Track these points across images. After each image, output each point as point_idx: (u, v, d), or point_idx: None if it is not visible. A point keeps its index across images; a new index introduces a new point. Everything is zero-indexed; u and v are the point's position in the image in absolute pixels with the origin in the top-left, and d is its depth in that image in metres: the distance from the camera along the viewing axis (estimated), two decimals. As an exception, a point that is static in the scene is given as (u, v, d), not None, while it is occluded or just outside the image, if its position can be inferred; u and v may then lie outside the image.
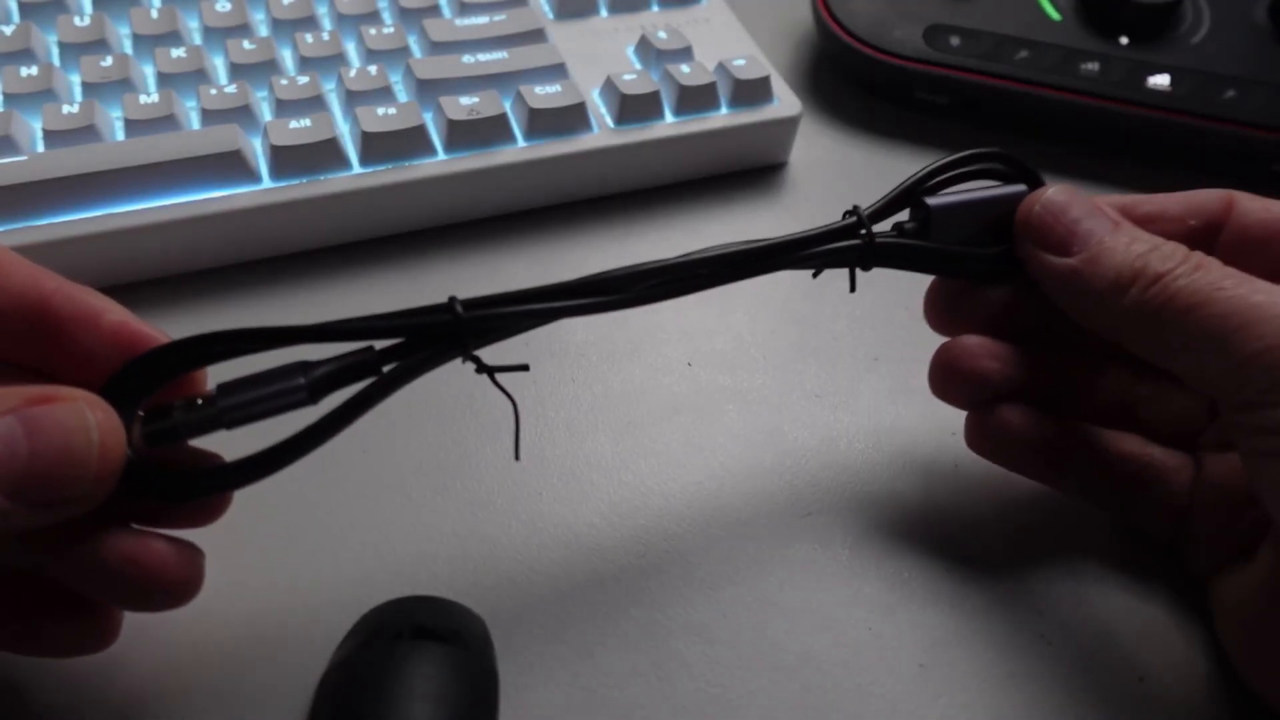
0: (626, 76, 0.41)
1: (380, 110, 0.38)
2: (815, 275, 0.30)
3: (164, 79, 0.39)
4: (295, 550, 0.31)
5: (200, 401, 0.24)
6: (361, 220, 0.39)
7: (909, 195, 0.30)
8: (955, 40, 0.46)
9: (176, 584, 0.24)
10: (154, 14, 0.41)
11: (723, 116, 0.42)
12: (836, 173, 0.45)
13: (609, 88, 0.41)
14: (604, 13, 0.46)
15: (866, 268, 0.29)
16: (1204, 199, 0.31)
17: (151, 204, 0.36)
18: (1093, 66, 0.45)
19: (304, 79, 0.39)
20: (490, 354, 0.25)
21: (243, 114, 0.38)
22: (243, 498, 0.26)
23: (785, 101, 0.43)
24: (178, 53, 0.39)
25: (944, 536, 0.33)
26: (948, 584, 0.31)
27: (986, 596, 0.31)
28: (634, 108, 0.41)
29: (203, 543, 0.26)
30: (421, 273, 0.39)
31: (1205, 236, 0.30)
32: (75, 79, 0.39)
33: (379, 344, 0.25)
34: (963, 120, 0.47)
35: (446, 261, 0.39)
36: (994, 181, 0.31)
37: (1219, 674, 0.30)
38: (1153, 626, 0.31)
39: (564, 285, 0.26)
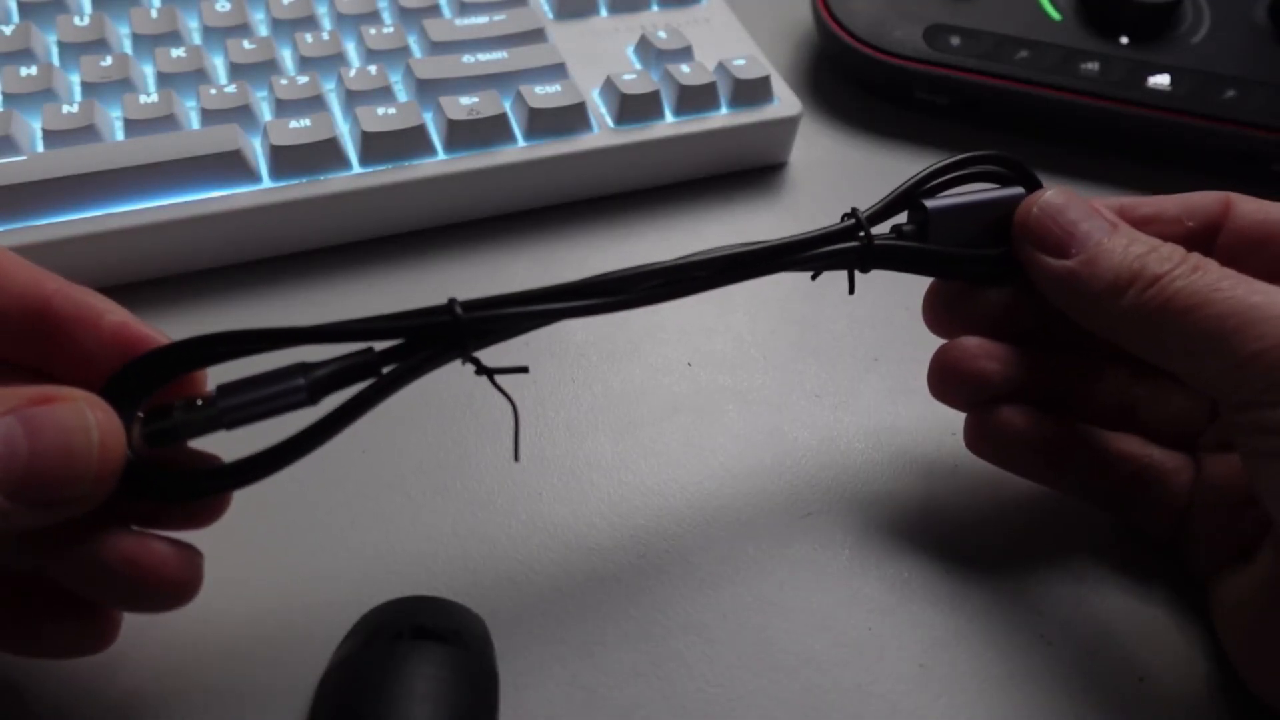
0: (626, 76, 0.41)
1: (380, 110, 0.38)
2: (814, 277, 0.30)
3: (164, 79, 0.39)
4: (295, 550, 0.31)
5: (200, 402, 0.24)
6: (361, 220, 0.39)
7: (907, 197, 0.30)
8: (955, 40, 0.46)
9: (176, 585, 0.24)
10: (154, 14, 0.41)
11: (723, 116, 0.42)
12: (836, 173, 0.45)
13: (609, 88, 0.41)
14: (604, 13, 0.46)
15: (865, 270, 0.30)
16: (1201, 200, 0.31)
17: (151, 204, 0.36)
18: (1093, 66, 0.45)
19: (304, 79, 0.39)
20: (490, 354, 0.25)
21: (243, 114, 0.38)
22: (242, 498, 0.26)
23: (785, 101, 0.43)
24: (178, 53, 0.39)
25: (944, 536, 0.33)
26: (948, 584, 0.31)
27: (986, 596, 0.31)
28: (634, 108, 0.41)
29: (203, 543, 0.26)
30: (421, 273, 0.39)
31: (1203, 238, 0.30)
32: (75, 79, 0.39)
33: (379, 345, 0.25)
34: (963, 120, 0.47)
35: (446, 261, 0.39)
36: (992, 184, 0.31)
37: (1219, 674, 0.30)
38: (1153, 626, 0.31)
39: (564, 286, 0.26)
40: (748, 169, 0.44)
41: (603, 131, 0.41)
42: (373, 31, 0.41)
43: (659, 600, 0.30)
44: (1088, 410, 0.32)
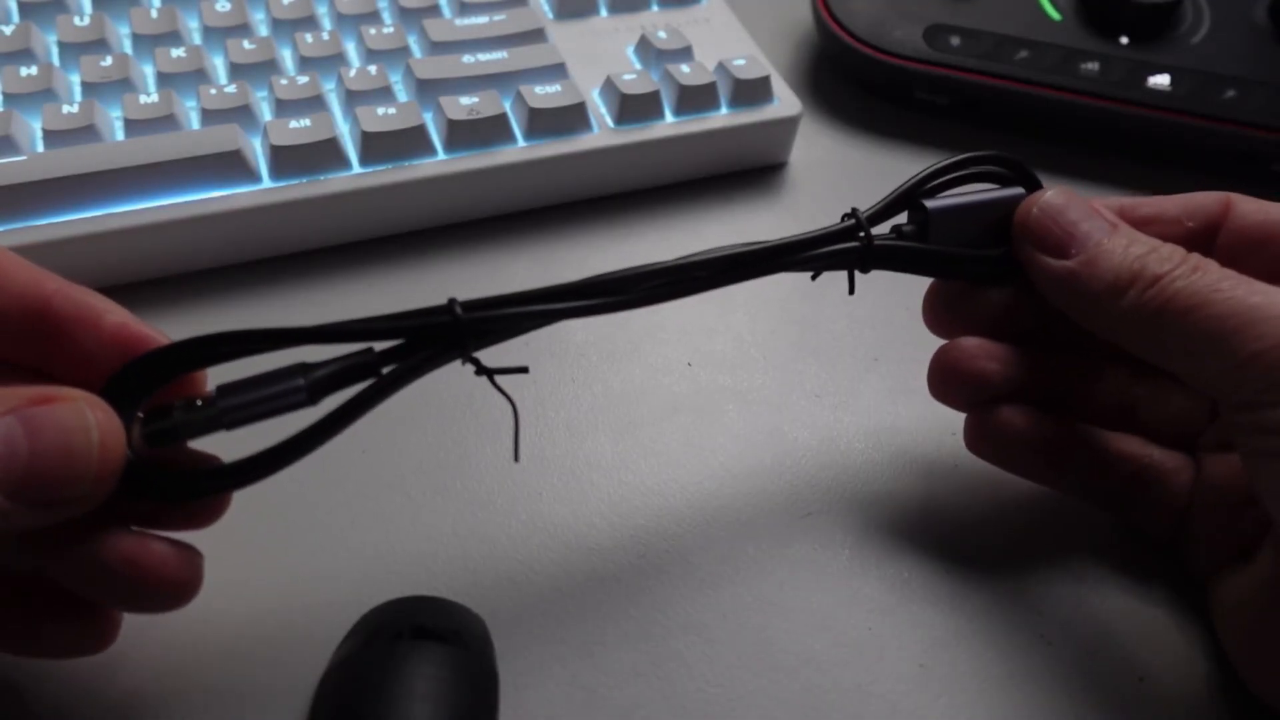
0: (626, 76, 0.41)
1: (380, 110, 0.38)
2: (814, 278, 0.30)
3: (164, 79, 0.39)
4: (295, 550, 0.31)
5: (200, 402, 0.24)
6: (361, 220, 0.39)
7: (907, 198, 0.30)
8: (955, 40, 0.46)
9: (176, 585, 0.24)
10: (154, 14, 0.41)
11: (723, 116, 0.42)
12: (836, 173, 0.45)
13: (609, 88, 0.41)
14: (604, 13, 0.46)
15: (865, 270, 0.30)
16: (1201, 201, 0.31)
17: (151, 204, 0.36)
18: (1093, 66, 0.45)
19: (304, 79, 0.39)
20: (490, 355, 0.25)
21: (243, 114, 0.38)
22: (242, 498, 0.26)
23: (785, 101, 0.43)
24: (178, 53, 0.39)
25: (944, 536, 0.33)
26: (948, 584, 0.31)
27: (986, 596, 0.31)
28: (634, 108, 0.41)
29: (203, 543, 0.26)
30: (421, 273, 0.39)
31: (1203, 238, 0.30)
32: (75, 79, 0.39)
33: (378, 345, 0.25)
34: (963, 120, 0.47)
35: (446, 261, 0.39)
36: (992, 184, 0.31)
37: (1219, 674, 0.30)
38: (1153, 626, 0.31)
39: (564, 287, 0.26)
40: (748, 169, 0.44)
41: (603, 131, 0.41)
42: (373, 31, 0.41)
43: (659, 600, 0.30)
44: (1088, 410, 0.32)
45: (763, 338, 0.38)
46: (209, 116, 0.37)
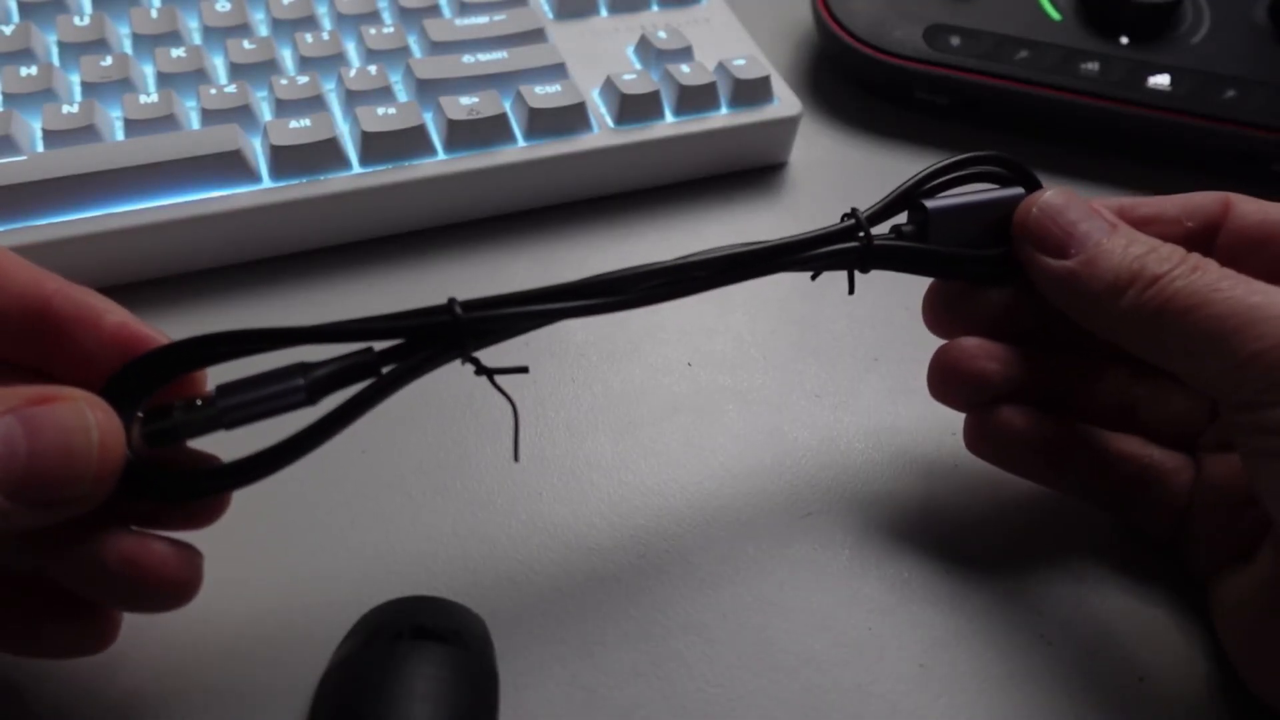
0: (626, 76, 0.41)
1: (380, 110, 0.38)
2: (814, 278, 0.30)
3: (164, 79, 0.39)
4: (295, 550, 0.31)
5: (200, 402, 0.24)
6: (361, 220, 0.39)
7: (907, 198, 0.30)
8: (955, 40, 0.46)
9: (175, 585, 0.24)
10: (154, 14, 0.41)
11: (723, 116, 0.42)
12: (836, 173, 0.45)
13: (609, 88, 0.41)
14: (604, 13, 0.46)
15: (865, 270, 0.30)
16: (1201, 201, 0.31)
17: (151, 204, 0.36)
18: (1093, 66, 0.45)
19: (304, 79, 0.39)
20: (490, 354, 0.25)
21: (243, 114, 0.38)
22: (242, 498, 0.26)
23: (785, 101, 0.43)
24: (178, 53, 0.39)
25: (944, 536, 0.33)
26: (948, 584, 0.31)
27: (986, 596, 0.31)
28: (634, 108, 0.41)
29: (203, 543, 0.26)
30: (421, 273, 0.39)
31: (1202, 238, 0.30)
32: (75, 79, 0.39)
33: (378, 345, 0.25)
34: (963, 120, 0.47)
35: (446, 261, 0.39)
36: (992, 184, 0.31)
37: (1219, 674, 0.30)
38: (1153, 626, 0.31)
39: (563, 286, 0.26)
40: (748, 169, 0.44)
41: (603, 131, 0.41)
42: (373, 31, 0.41)
43: (659, 600, 0.30)
44: (1088, 410, 0.32)
45: (763, 338, 0.38)
46: (209, 116, 0.37)
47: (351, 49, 0.42)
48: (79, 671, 0.27)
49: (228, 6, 0.42)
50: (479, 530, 0.32)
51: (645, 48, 0.44)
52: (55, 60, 0.39)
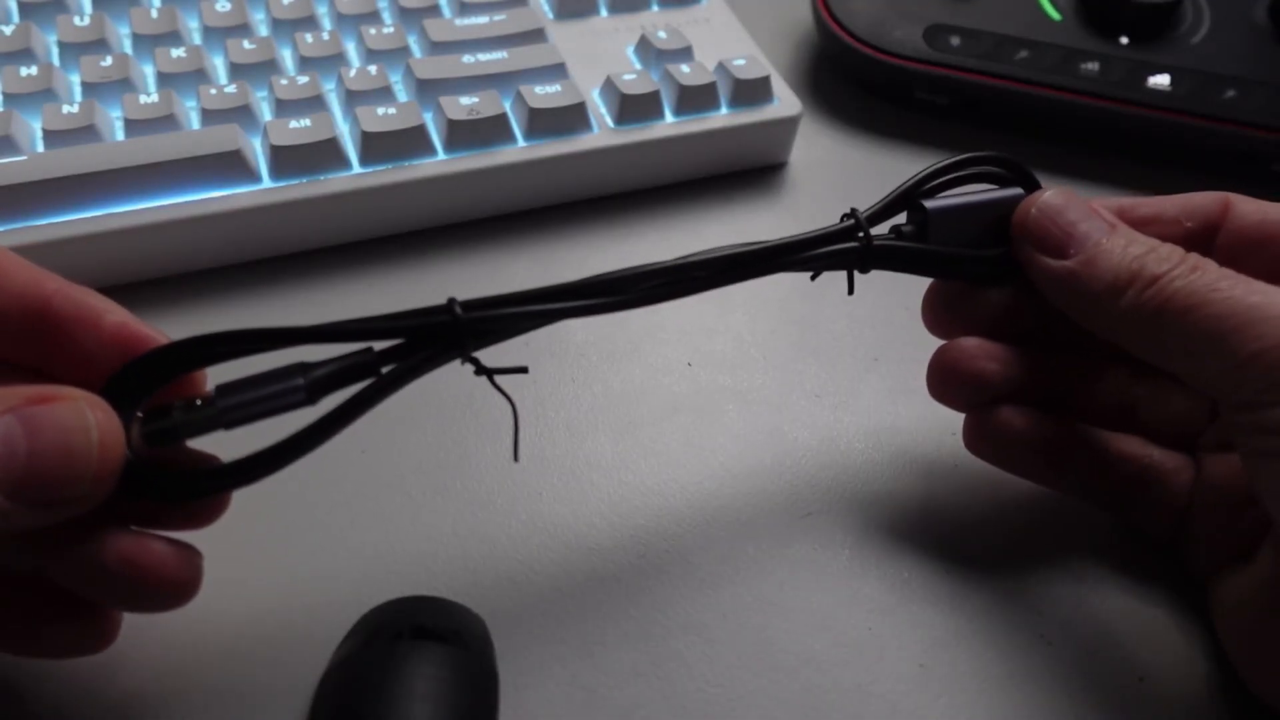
0: (626, 76, 0.41)
1: (380, 110, 0.38)
2: (814, 278, 0.30)
3: (164, 79, 0.39)
4: (295, 550, 0.31)
5: (199, 402, 0.24)
6: (361, 220, 0.39)
7: (906, 198, 0.30)
8: (955, 40, 0.46)
9: (175, 585, 0.24)
10: (154, 14, 0.41)
11: (723, 116, 0.42)
12: (836, 173, 0.45)
13: (609, 88, 0.41)
14: (604, 13, 0.46)
15: (864, 270, 0.30)
16: (1200, 201, 0.31)
17: (151, 204, 0.36)
18: (1093, 66, 0.45)
19: (304, 79, 0.39)
20: (490, 354, 0.25)
21: (243, 114, 0.38)
22: (242, 498, 0.26)
23: (785, 101, 0.43)
24: (178, 53, 0.39)
25: (944, 536, 0.33)
26: (948, 584, 0.31)
27: (986, 596, 0.31)
28: (634, 108, 0.41)
29: (203, 543, 0.26)
30: (421, 273, 0.39)
31: (1202, 238, 0.30)
32: (75, 79, 0.39)
33: (378, 345, 0.25)
34: (963, 120, 0.47)
35: (446, 261, 0.39)
36: (991, 184, 0.31)
37: (1219, 674, 0.30)
38: (1153, 626, 0.31)
39: (563, 286, 0.26)
40: (748, 169, 0.44)
41: (603, 131, 0.41)
42: (373, 31, 0.41)
43: (659, 600, 0.30)
44: (1088, 410, 0.32)
45: (763, 338, 0.38)
46: (209, 116, 0.37)
47: (351, 49, 0.42)
48: (79, 671, 0.27)
49: (228, 6, 0.42)
50: (479, 530, 0.32)
51: (645, 48, 0.44)
52: (55, 60, 0.39)
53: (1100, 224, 0.29)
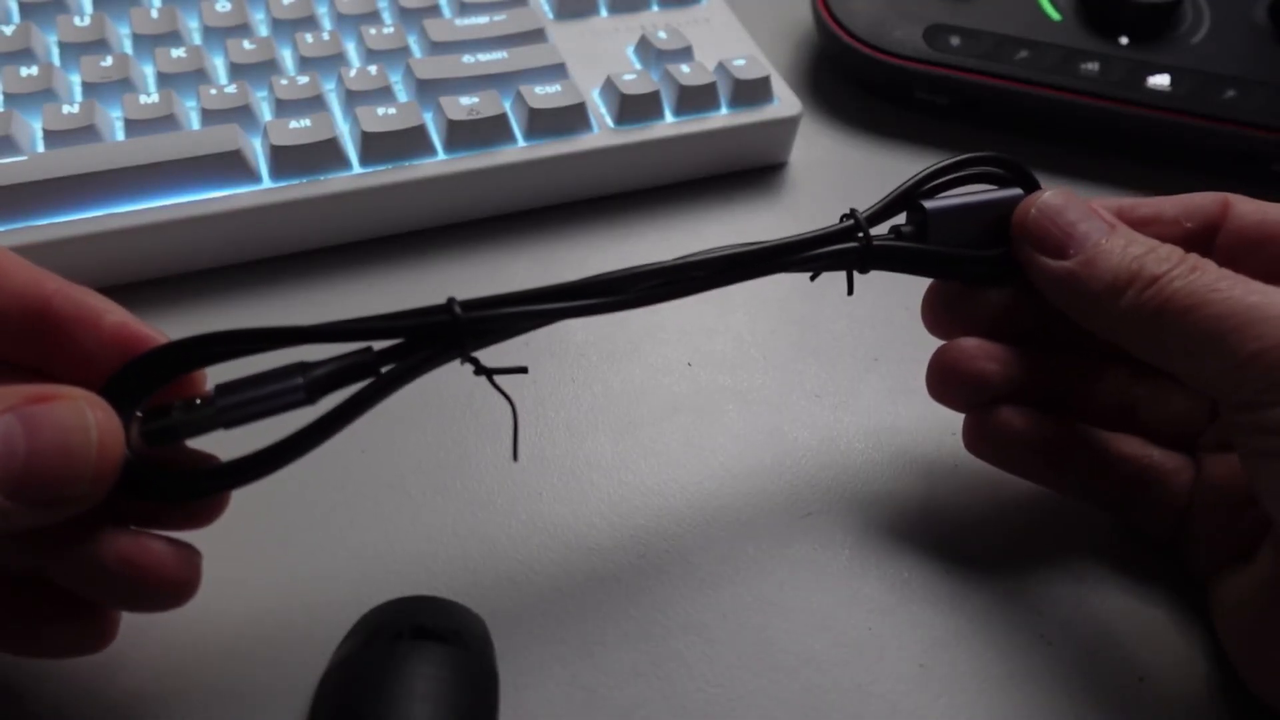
0: (626, 76, 0.41)
1: (380, 110, 0.38)
2: (813, 278, 0.30)
3: (164, 79, 0.39)
4: (295, 550, 0.31)
5: (199, 401, 0.24)
6: (361, 220, 0.39)
7: (906, 198, 0.30)
8: (955, 40, 0.46)
9: (174, 584, 0.24)
10: (154, 14, 0.41)
11: (723, 116, 0.42)
12: (836, 173, 0.45)
13: (609, 88, 0.41)
14: (604, 13, 0.46)
15: (864, 270, 0.30)
16: (1200, 201, 0.31)
17: (151, 204, 0.36)
18: (1093, 66, 0.45)
19: (304, 79, 0.39)
20: (490, 354, 0.25)
21: (243, 114, 0.38)
22: (241, 497, 0.26)
23: (785, 101, 0.43)
24: (178, 53, 0.39)
25: (944, 536, 0.33)
26: (948, 584, 0.31)
27: (986, 596, 0.31)
28: (634, 108, 0.41)
29: (202, 543, 0.26)
30: (421, 273, 0.39)
31: (1201, 239, 0.30)
32: (75, 79, 0.39)
33: (377, 345, 0.25)
34: (963, 120, 0.47)
35: (446, 261, 0.39)
36: (991, 185, 0.31)
37: (1219, 674, 0.30)
38: (1153, 626, 0.31)
39: (563, 286, 0.26)
40: (748, 169, 0.44)
41: (603, 131, 0.41)
42: (373, 31, 0.41)
43: (659, 600, 0.30)
44: (1087, 410, 0.32)
45: (763, 338, 0.38)
46: (209, 116, 0.38)
47: (351, 49, 0.42)
48: (79, 671, 0.27)
49: (228, 6, 0.42)
50: (479, 530, 0.32)
51: (645, 48, 0.44)
52: (56, 60, 0.39)
53: (1100, 224, 0.29)
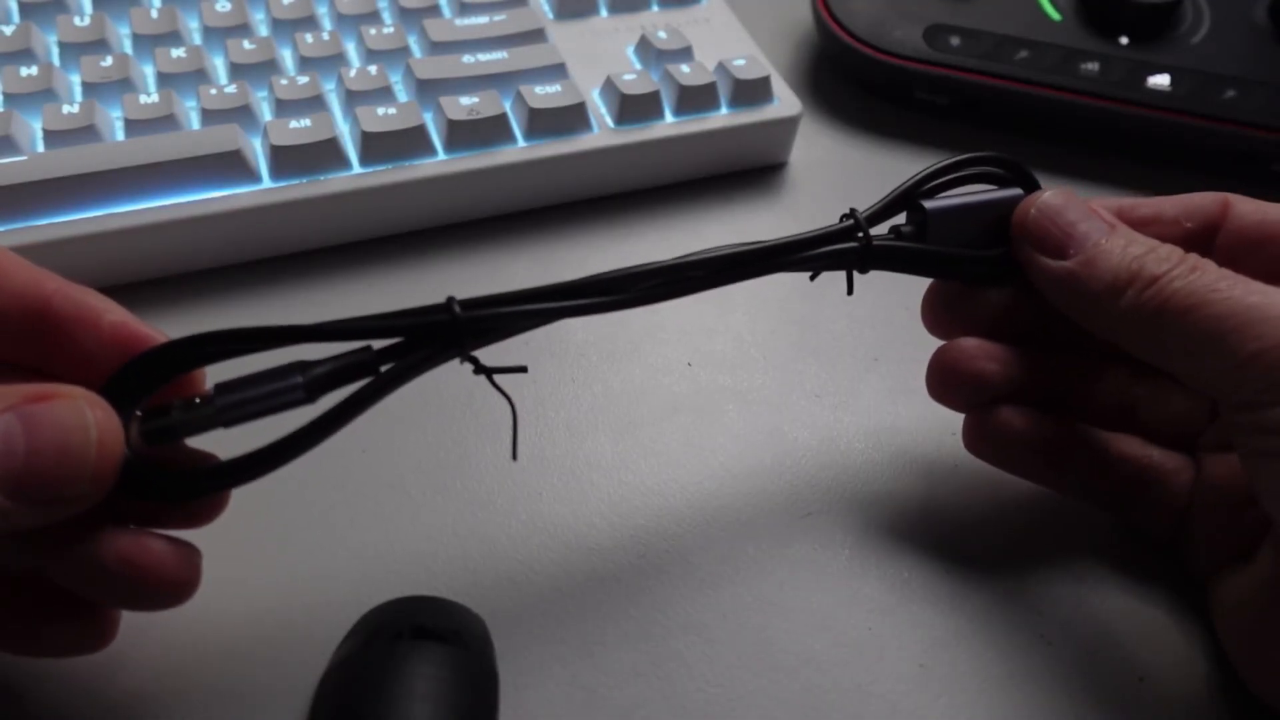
0: (626, 76, 0.41)
1: (380, 110, 0.38)
2: (813, 278, 0.30)
3: (164, 79, 0.39)
4: (295, 550, 0.31)
5: (198, 400, 0.24)
6: (361, 220, 0.39)
7: (906, 198, 0.30)
8: (955, 40, 0.46)
9: (174, 584, 0.24)
10: (154, 14, 0.41)
11: (723, 116, 0.42)
12: (836, 173, 0.45)
13: (609, 88, 0.41)
14: (604, 13, 0.46)
15: (864, 270, 0.30)
16: (1200, 201, 0.31)
17: (151, 204, 0.36)
18: (1093, 66, 0.45)
19: (304, 79, 0.39)
20: (490, 354, 0.25)
21: (243, 114, 0.38)
22: (241, 497, 0.26)
23: (785, 101, 0.43)
24: (178, 53, 0.39)
25: (944, 536, 0.33)
26: (948, 584, 0.31)
27: (986, 596, 0.31)
28: (634, 108, 0.41)
29: (202, 542, 0.26)
30: (421, 273, 0.39)
31: (1201, 239, 0.30)
32: (75, 79, 0.39)
33: (377, 344, 0.25)
34: (963, 120, 0.47)
35: (446, 261, 0.39)
36: (991, 185, 0.31)
37: (1219, 674, 0.30)
38: (1153, 626, 0.31)
39: (562, 286, 0.26)
40: (748, 169, 0.44)
41: (603, 131, 0.41)
42: (373, 31, 0.41)
43: (659, 600, 0.30)
44: (1087, 410, 0.32)
45: (763, 338, 0.38)
46: (209, 116, 0.38)
47: (351, 49, 0.42)
48: (79, 671, 0.27)
49: (228, 6, 0.42)
50: (479, 530, 0.32)
51: (645, 48, 0.44)
52: (56, 60, 0.39)
53: (1100, 224, 0.29)
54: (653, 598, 0.30)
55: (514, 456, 0.27)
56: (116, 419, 0.22)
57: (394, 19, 0.43)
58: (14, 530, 0.21)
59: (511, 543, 0.31)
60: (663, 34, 0.44)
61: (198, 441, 0.24)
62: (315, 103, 0.39)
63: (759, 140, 0.44)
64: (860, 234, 0.29)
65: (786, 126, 0.44)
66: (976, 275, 0.31)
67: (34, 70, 0.37)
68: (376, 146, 0.38)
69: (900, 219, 0.31)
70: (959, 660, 0.30)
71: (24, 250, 0.26)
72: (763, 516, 0.33)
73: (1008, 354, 0.31)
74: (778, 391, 0.36)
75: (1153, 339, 0.27)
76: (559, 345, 0.37)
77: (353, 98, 0.39)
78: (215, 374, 0.24)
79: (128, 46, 0.41)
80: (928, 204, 0.30)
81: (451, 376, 0.26)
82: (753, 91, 0.42)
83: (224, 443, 0.24)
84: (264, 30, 0.42)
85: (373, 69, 0.40)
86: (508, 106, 0.40)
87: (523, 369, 0.26)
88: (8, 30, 0.39)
